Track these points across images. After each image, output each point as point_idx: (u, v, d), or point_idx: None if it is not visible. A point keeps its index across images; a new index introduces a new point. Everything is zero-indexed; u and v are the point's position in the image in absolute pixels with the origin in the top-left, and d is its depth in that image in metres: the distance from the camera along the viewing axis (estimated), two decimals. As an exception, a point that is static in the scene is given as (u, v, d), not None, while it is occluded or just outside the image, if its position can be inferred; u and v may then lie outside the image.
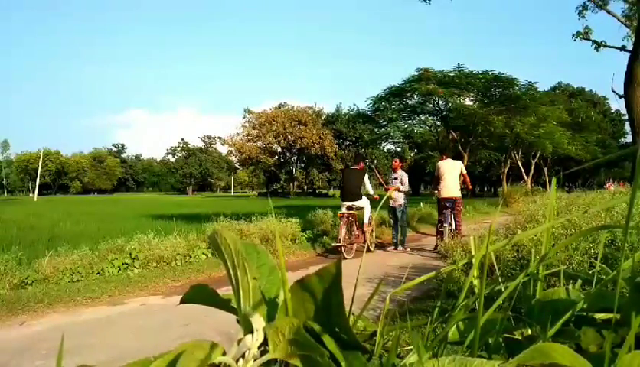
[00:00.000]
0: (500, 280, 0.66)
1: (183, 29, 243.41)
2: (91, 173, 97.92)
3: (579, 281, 0.69)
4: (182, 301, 0.53)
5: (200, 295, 0.52)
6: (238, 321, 0.49)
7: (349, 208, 7.79)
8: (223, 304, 0.51)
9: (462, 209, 8.27)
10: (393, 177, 8.63)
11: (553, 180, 0.61)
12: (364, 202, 7.90)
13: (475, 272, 0.55)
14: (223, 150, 72.25)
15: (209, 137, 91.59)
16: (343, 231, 7.49)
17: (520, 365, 0.42)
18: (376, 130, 28.81)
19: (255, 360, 0.44)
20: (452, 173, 7.88)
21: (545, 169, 39.33)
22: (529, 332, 0.56)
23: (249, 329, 0.46)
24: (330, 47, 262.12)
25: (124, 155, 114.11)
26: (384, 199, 1.22)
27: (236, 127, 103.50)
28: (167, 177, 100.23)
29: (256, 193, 70.96)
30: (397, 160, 8.77)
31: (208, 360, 0.42)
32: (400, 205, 8.43)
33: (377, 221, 10.55)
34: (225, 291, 0.55)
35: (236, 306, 0.49)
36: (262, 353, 0.45)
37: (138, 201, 40.78)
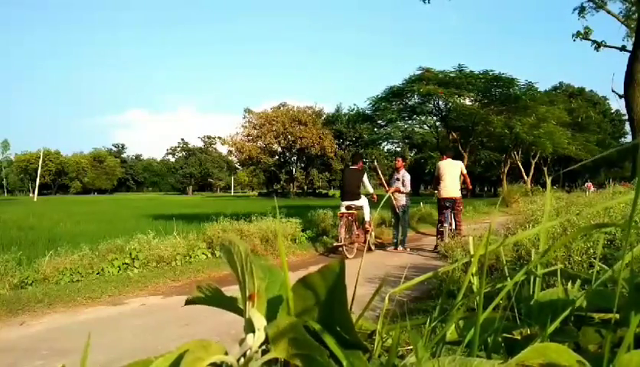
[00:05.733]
0: (499, 279, 0.66)
1: (183, 29, 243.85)
2: (91, 173, 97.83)
3: (578, 281, 0.69)
4: (188, 302, 0.53)
5: (206, 295, 0.52)
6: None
7: (348, 208, 7.79)
8: (229, 304, 0.52)
9: (462, 209, 8.27)
10: (395, 177, 8.59)
11: (548, 180, 0.61)
12: (363, 202, 7.90)
13: (473, 271, 0.55)
14: (223, 150, 72.31)
15: (209, 137, 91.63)
16: (343, 231, 7.49)
17: (520, 364, 0.42)
18: (376, 130, 28.82)
19: (256, 360, 0.45)
20: (452, 174, 7.88)
21: (545, 169, 39.35)
22: (528, 331, 0.56)
23: (251, 329, 0.46)
24: (330, 47, 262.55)
25: (124, 155, 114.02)
26: (384, 199, 1.22)
27: (236, 127, 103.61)
28: (167, 176, 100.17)
29: (256, 193, 70.97)
30: (400, 159, 8.70)
31: (209, 360, 0.43)
32: (402, 205, 8.41)
33: (377, 221, 10.55)
34: (225, 292, 0.55)
35: (242, 307, 0.49)
36: (264, 353, 0.45)
37: (138, 201, 40.78)
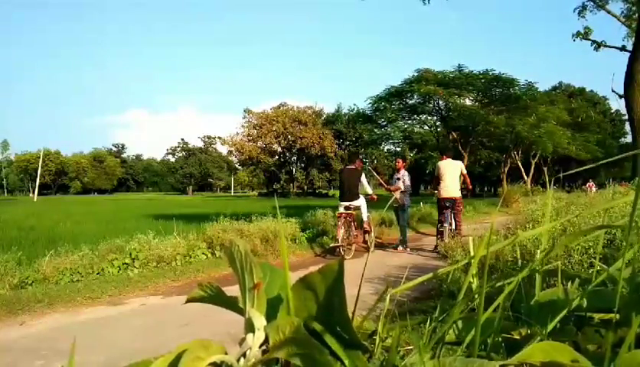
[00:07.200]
0: (499, 280, 0.66)
1: (183, 29, 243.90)
2: (91, 173, 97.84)
3: (577, 280, 0.69)
4: (189, 300, 0.54)
5: (207, 294, 0.53)
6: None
7: (347, 208, 7.78)
8: (230, 303, 0.52)
9: (461, 209, 8.27)
10: (395, 177, 8.67)
11: (548, 182, 0.61)
12: (361, 202, 7.88)
13: (473, 272, 0.55)
14: (223, 150, 72.29)
15: (209, 137, 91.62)
16: (341, 231, 7.47)
17: (521, 363, 0.42)
18: (376, 130, 28.82)
19: (256, 359, 0.45)
20: (452, 174, 7.87)
21: (545, 169, 39.33)
22: (528, 331, 0.56)
23: (251, 329, 0.46)
24: (330, 47, 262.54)
25: (124, 155, 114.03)
26: (391, 201, 1.22)
27: (236, 127, 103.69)
28: (167, 176, 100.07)
29: (256, 193, 70.91)
30: (400, 160, 8.83)
31: (209, 359, 0.43)
32: (402, 204, 8.44)
33: (377, 221, 10.54)
34: (225, 291, 0.55)
35: (242, 306, 0.49)
36: (264, 352, 0.45)
37: (138, 201, 40.77)
